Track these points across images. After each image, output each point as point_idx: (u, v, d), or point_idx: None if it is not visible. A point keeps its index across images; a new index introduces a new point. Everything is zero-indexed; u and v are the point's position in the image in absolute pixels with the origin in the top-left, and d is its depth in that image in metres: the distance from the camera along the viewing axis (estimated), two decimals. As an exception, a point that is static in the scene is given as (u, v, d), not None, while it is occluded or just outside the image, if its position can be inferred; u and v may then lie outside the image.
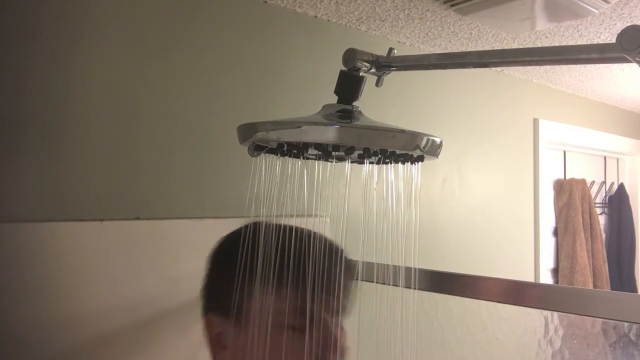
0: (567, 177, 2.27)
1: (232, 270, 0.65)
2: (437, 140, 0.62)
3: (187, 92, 1.04)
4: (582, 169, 2.35)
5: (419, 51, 1.50)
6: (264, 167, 0.66)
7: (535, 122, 1.94)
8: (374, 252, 0.87)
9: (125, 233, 0.75)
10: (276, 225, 0.68)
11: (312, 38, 1.25)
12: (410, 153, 0.62)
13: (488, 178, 1.74)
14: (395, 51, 0.71)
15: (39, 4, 0.86)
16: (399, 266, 0.85)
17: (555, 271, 2.16)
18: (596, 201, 2.36)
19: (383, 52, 0.71)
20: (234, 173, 1.07)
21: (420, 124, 1.49)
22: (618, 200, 2.45)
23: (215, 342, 0.67)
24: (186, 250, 0.96)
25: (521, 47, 1.46)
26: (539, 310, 0.90)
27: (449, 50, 1.51)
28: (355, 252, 1.07)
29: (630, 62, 0.52)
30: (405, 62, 0.72)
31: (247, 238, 0.67)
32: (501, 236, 1.77)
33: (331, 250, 0.68)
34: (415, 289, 0.83)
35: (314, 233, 0.69)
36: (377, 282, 0.88)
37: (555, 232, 2.18)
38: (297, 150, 0.62)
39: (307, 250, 0.65)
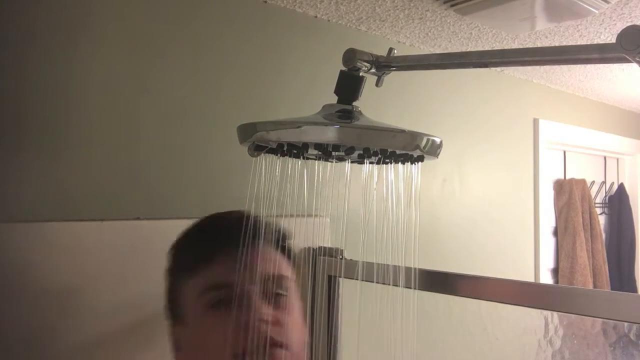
0: (567, 177, 2.27)
1: (176, 279, 0.70)
2: (437, 140, 0.62)
3: (187, 92, 1.04)
4: (582, 169, 2.35)
5: (419, 51, 1.50)
6: (264, 167, 0.66)
7: (535, 122, 1.94)
8: (374, 252, 0.87)
9: (125, 233, 0.75)
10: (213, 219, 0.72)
11: (312, 38, 1.25)
12: (410, 153, 0.62)
13: (488, 178, 1.74)
14: (395, 51, 0.71)
15: (39, 4, 0.86)
16: (399, 266, 0.85)
17: (555, 271, 2.16)
18: (596, 201, 2.36)
19: (383, 52, 0.71)
20: (234, 173, 1.07)
21: (420, 124, 1.49)
22: (618, 200, 2.45)
23: (175, 346, 0.70)
24: (186, 250, 0.96)
25: (521, 47, 1.46)
26: (539, 310, 0.90)
27: (449, 50, 1.51)
28: (355, 252, 1.07)
29: (630, 62, 0.52)
30: (405, 62, 0.72)
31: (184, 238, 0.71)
32: (501, 236, 1.77)
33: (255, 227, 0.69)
34: (415, 289, 0.83)
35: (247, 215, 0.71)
36: (377, 282, 0.88)
37: (555, 232, 2.18)
38: (297, 150, 0.62)
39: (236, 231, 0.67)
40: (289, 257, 0.73)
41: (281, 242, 0.71)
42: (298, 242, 1.10)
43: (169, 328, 0.72)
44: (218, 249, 0.66)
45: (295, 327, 0.68)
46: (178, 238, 0.72)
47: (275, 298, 0.66)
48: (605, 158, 2.52)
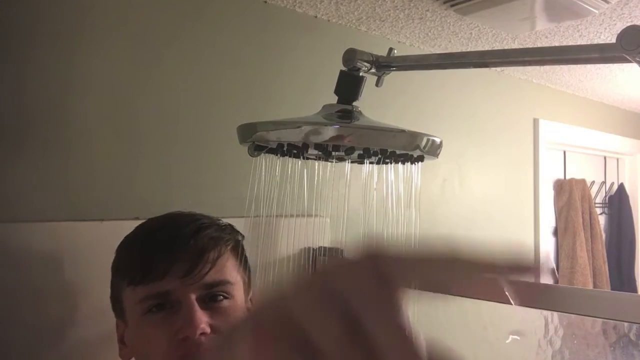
0: (567, 177, 2.26)
1: (114, 275, 0.69)
2: (437, 140, 0.62)
3: (187, 92, 1.04)
4: (582, 169, 2.35)
5: (419, 51, 1.50)
6: (264, 167, 0.66)
7: (535, 122, 1.94)
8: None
9: (125, 233, 0.75)
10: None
11: (312, 38, 1.25)
12: (410, 153, 0.62)
13: (488, 178, 1.74)
14: (395, 51, 0.71)
15: (39, 4, 0.86)
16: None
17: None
18: (596, 201, 2.36)
19: (383, 52, 0.71)
20: (234, 173, 1.07)
21: (420, 124, 1.49)
22: (618, 200, 2.45)
23: (120, 340, 0.71)
24: (186, 250, 0.96)
25: (521, 47, 1.46)
26: (539, 310, 0.90)
27: (449, 50, 1.51)
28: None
29: (630, 62, 0.52)
30: (405, 62, 0.73)
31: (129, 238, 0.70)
32: (501, 236, 1.77)
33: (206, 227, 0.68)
34: (415, 289, 0.83)
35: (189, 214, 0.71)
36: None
37: (555, 232, 2.18)
38: (297, 150, 0.62)
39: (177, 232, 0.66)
40: (239, 258, 0.71)
41: (232, 243, 0.69)
42: (298, 242, 1.10)
43: (116, 319, 0.71)
44: (160, 257, 0.64)
45: None
46: (126, 236, 0.71)
47: (216, 304, 0.65)
48: (605, 158, 2.52)
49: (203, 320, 0.61)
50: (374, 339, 0.19)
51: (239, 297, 0.68)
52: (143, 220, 0.72)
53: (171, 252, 0.64)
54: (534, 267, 0.20)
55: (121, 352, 0.71)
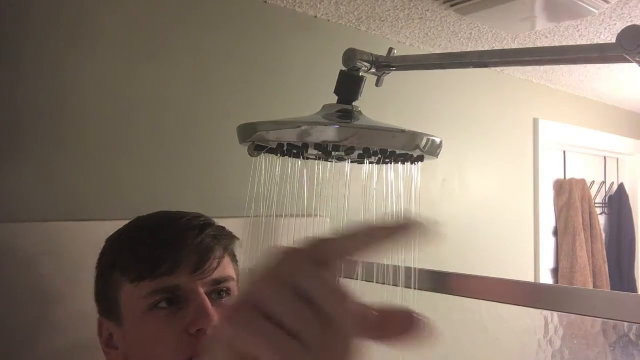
0: (567, 177, 2.26)
1: (110, 273, 0.67)
2: (437, 140, 0.62)
3: (187, 92, 1.04)
4: (582, 169, 2.35)
5: (419, 51, 1.50)
6: (264, 167, 0.66)
7: (535, 122, 1.94)
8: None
9: (125, 233, 0.76)
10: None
11: (312, 38, 1.25)
12: (410, 153, 0.62)
13: (488, 178, 1.74)
14: (395, 51, 0.71)
15: (33, 3, 0.86)
16: (399, 266, 0.85)
17: (555, 271, 2.16)
18: (596, 201, 2.36)
19: (383, 52, 0.71)
20: (234, 173, 1.07)
21: (420, 124, 1.49)
22: (618, 200, 2.45)
23: (107, 343, 0.68)
24: (186, 250, 0.96)
25: (521, 47, 1.46)
26: (539, 310, 0.90)
27: (449, 50, 1.51)
28: (355, 252, 1.07)
29: (630, 62, 0.52)
30: (405, 62, 0.73)
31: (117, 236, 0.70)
32: (501, 236, 1.77)
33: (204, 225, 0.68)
34: (415, 289, 0.83)
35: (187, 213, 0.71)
36: (377, 282, 0.88)
37: (555, 232, 2.18)
38: (297, 150, 0.62)
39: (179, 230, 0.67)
40: (233, 259, 0.72)
41: (226, 242, 0.70)
42: (298, 242, 1.10)
43: (100, 320, 0.69)
44: (169, 252, 0.64)
45: None
46: (119, 233, 0.70)
47: (220, 301, 0.66)
48: (605, 158, 2.52)
49: (215, 313, 0.62)
50: (318, 301, 0.27)
51: (236, 293, 0.69)
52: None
53: (180, 248, 0.65)
54: (408, 226, 0.29)
55: (109, 357, 0.68)
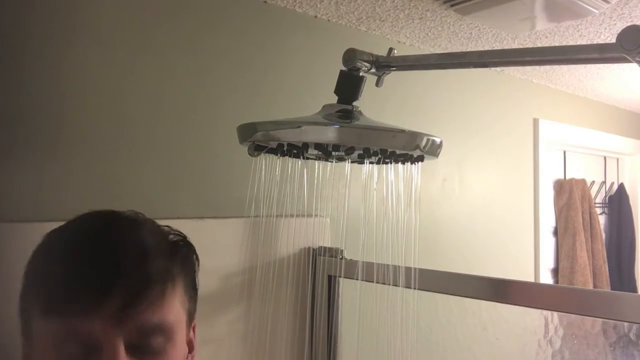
0: (567, 177, 2.26)
1: (26, 292, 0.58)
2: (437, 140, 0.62)
3: (187, 92, 1.04)
4: (582, 169, 2.35)
5: (419, 51, 1.50)
6: (264, 167, 0.66)
7: (535, 122, 1.94)
8: (374, 252, 0.87)
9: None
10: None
11: (312, 38, 1.25)
12: (410, 153, 0.62)
13: (488, 178, 1.74)
14: (395, 51, 0.71)
15: (32, 1, 0.86)
16: (399, 266, 0.85)
17: (555, 271, 2.16)
18: (596, 201, 2.36)
19: (383, 52, 0.71)
20: (234, 173, 1.07)
21: (420, 124, 1.49)
22: (618, 200, 2.45)
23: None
24: (186, 250, 0.96)
25: (521, 47, 1.46)
26: (539, 310, 0.90)
27: (449, 50, 1.51)
28: (355, 252, 1.07)
29: (630, 62, 0.52)
30: (405, 62, 0.73)
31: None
32: (501, 236, 1.77)
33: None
34: (415, 289, 0.83)
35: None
36: (377, 282, 0.88)
37: (555, 232, 2.18)
38: (297, 150, 0.62)
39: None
40: (185, 292, 0.58)
41: (181, 271, 0.57)
42: (298, 242, 1.10)
43: (21, 336, 0.60)
44: (87, 285, 0.51)
45: None
46: (44, 243, 0.58)
47: (149, 355, 0.53)
48: (605, 158, 2.52)
49: None
50: None
51: (179, 337, 0.57)
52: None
53: (103, 281, 0.51)
54: None
55: None
